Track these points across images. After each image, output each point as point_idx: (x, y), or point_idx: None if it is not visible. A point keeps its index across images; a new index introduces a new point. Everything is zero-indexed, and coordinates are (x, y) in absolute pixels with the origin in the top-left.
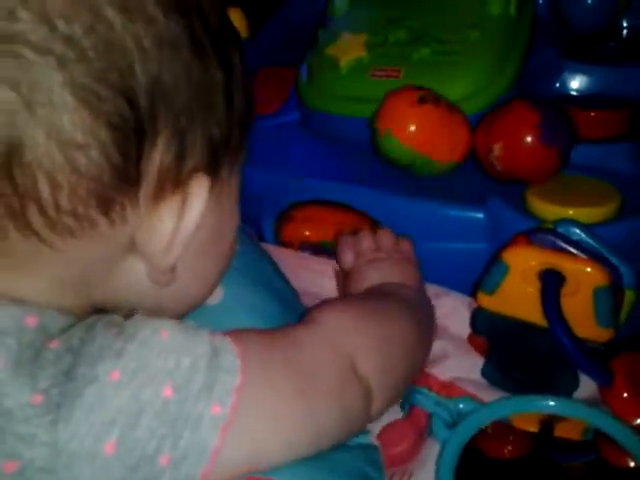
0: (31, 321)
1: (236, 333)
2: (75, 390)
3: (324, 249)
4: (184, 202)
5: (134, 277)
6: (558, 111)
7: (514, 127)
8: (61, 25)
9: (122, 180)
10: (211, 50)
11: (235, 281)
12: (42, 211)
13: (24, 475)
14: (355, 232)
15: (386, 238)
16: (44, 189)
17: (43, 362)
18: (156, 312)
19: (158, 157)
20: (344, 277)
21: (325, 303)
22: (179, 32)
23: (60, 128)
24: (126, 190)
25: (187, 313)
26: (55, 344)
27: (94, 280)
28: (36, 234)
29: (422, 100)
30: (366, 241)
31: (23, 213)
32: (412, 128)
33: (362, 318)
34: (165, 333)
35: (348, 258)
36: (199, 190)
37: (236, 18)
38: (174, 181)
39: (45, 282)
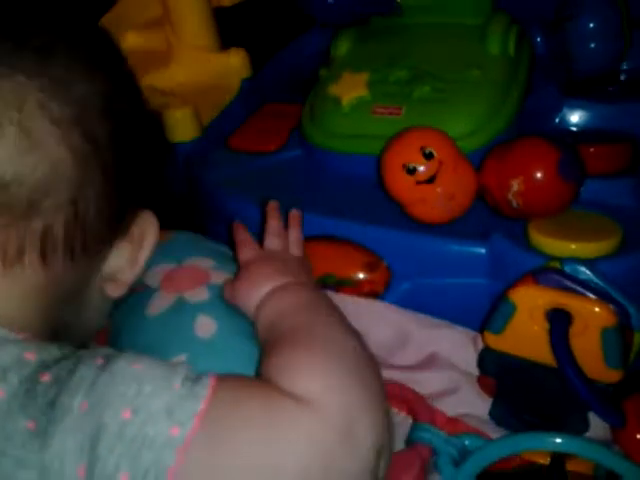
0: (30, 357)
1: (221, 375)
2: (56, 418)
3: (326, 284)
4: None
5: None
6: (573, 147)
7: (534, 163)
8: None
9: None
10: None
11: (225, 312)
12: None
13: None
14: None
15: (274, 244)
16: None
17: (34, 394)
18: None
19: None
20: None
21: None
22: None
23: None
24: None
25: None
26: (46, 377)
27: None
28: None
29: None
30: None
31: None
32: None
33: (342, 373)
34: (139, 364)
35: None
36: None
37: (239, 57)
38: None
39: (23, 293)
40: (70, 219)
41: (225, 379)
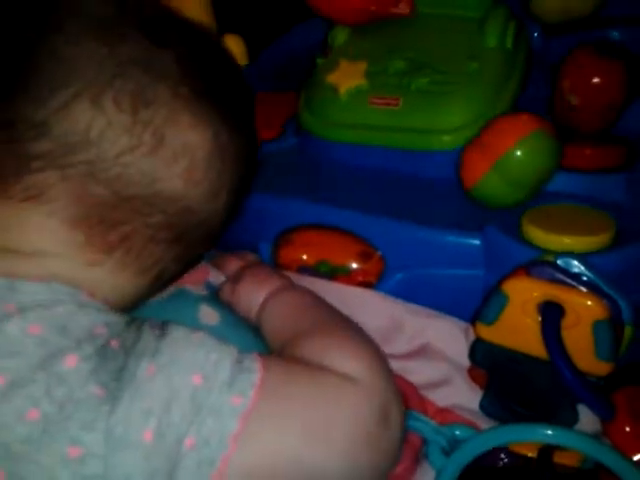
0: (101, 330)
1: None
2: (124, 384)
3: (321, 272)
4: None
5: None
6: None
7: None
8: None
9: None
10: None
11: (225, 307)
12: None
13: (83, 461)
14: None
15: (232, 264)
16: None
17: (106, 360)
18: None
19: None
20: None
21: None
22: None
23: None
24: None
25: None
26: (115, 344)
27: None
28: None
29: None
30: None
31: None
32: None
33: (375, 353)
34: (197, 334)
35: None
36: None
37: (235, 45)
38: None
39: (131, 292)
40: (191, 256)
41: (267, 356)
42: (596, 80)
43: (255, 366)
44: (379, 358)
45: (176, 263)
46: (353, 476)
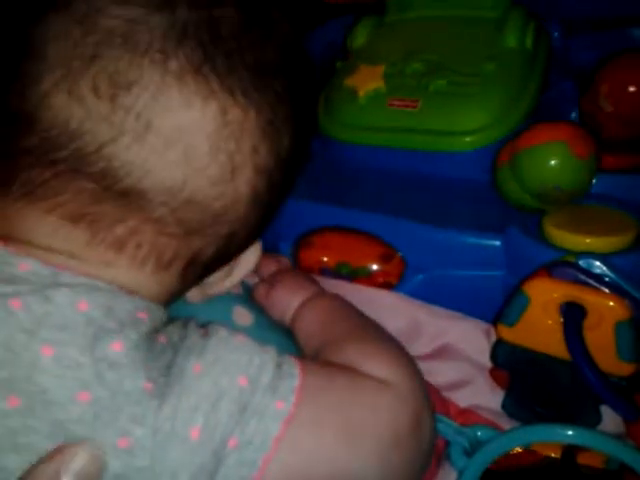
0: (143, 316)
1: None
2: (172, 380)
3: (341, 274)
4: None
5: None
6: None
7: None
8: None
9: None
10: None
11: (258, 308)
12: None
13: (132, 452)
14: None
15: (268, 266)
16: None
17: (154, 354)
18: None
19: None
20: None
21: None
22: None
23: None
24: None
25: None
26: (162, 339)
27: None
28: None
29: None
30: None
31: None
32: None
33: (402, 356)
34: (239, 337)
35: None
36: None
37: None
38: None
39: (157, 291)
40: (220, 248)
41: (305, 360)
42: (633, 89)
43: (295, 371)
44: (412, 364)
45: (206, 255)
46: (387, 477)
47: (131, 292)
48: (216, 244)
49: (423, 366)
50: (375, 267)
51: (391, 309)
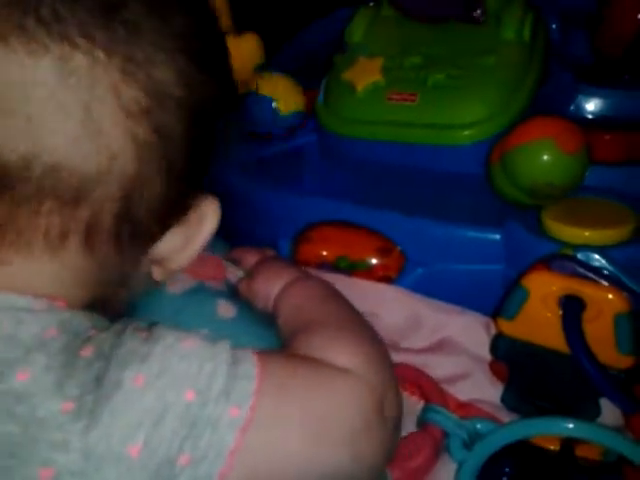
0: (52, 333)
1: (261, 350)
2: (105, 395)
3: (341, 268)
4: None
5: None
6: None
7: None
8: None
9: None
10: None
11: (242, 302)
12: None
13: None
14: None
15: (250, 258)
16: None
17: (73, 370)
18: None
19: None
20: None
21: (330, 338)
22: None
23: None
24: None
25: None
26: (87, 352)
27: (116, 280)
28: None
29: None
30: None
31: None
32: None
33: (371, 347)
34: (188, 341)
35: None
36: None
37: (252, 43)
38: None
39: (69, 275)
40: (120, 213)
41: (266, 353)
42: None
43: (252, 371)
44: (375, 347)
45: (105, 222)
46: (359, 466)
47: (40, 289)
48: (111, 209)
49: (423, 359)
50: (374, 261)
51: (391, 303)
